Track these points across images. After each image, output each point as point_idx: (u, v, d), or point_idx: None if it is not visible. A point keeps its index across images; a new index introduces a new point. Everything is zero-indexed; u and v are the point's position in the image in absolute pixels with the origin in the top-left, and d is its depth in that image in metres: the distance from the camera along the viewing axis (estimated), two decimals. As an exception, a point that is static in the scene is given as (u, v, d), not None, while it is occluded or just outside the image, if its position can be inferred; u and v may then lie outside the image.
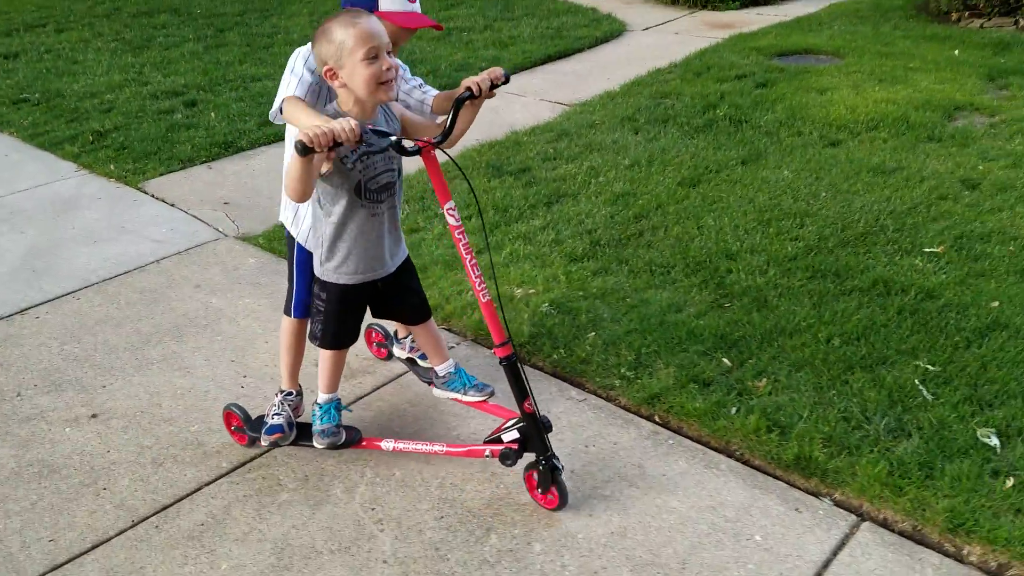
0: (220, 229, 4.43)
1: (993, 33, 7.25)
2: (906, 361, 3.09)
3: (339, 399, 2.78)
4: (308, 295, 2.72)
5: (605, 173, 4.73)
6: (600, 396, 3.07)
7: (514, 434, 2.57)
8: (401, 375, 3.23)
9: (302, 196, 2.23)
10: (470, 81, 2.40)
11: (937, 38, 7.09)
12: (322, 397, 2.75)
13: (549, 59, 7.07)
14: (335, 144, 2.10)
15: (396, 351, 3.25)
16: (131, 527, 2.56)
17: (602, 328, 3.37)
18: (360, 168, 2.38)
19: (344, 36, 2.21)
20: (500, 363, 2.49)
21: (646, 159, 4.90)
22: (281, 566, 2.40)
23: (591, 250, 3.95)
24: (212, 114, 5.83)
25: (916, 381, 2.97)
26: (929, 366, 3.06)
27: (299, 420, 2.87)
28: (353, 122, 2.10)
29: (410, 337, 3.16)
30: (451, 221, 2.43)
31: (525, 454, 2.57)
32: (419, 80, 2.74)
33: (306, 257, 2.68)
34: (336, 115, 2.30)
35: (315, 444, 2.74)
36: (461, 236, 2.43)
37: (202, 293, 3.82)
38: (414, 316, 2.78)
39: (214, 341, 3.46)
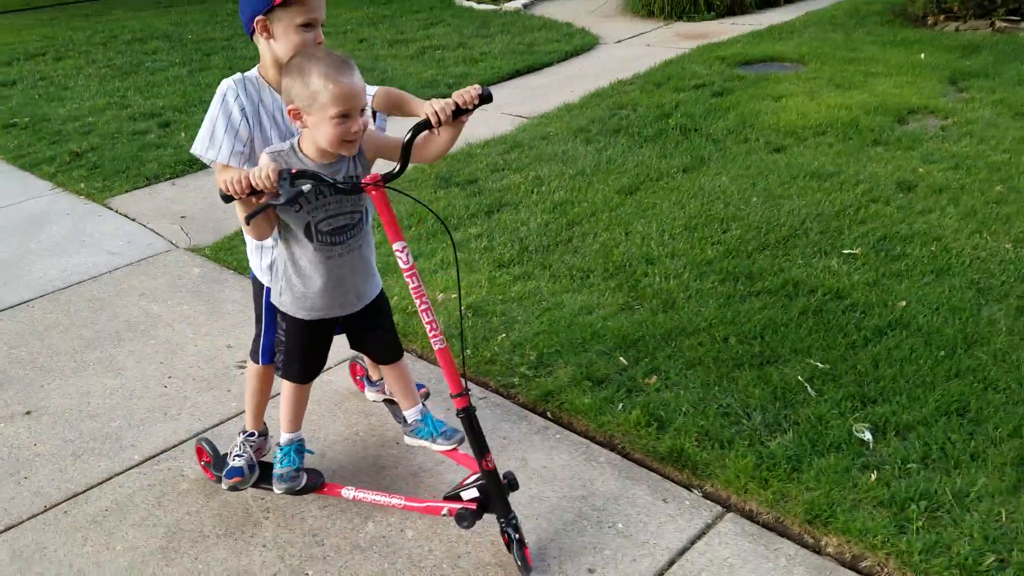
0: (173, 241, 4.66)
1: (965, 36, 7.29)
2: (798, 359, 3.19)
3: (302, 439, 2.71)
4: (273, 342, 2.66)
5: (549, 183, 4.89)
6: (500, 394, 3.21)
7: (474, 492, 2.44)
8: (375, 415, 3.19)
9: (257, 236, 2.28)
10: (431, 109, 2.25)
11: (907, 42, 7.15)
12: (284, 437, 2.68)
13: (517, 74, 7.26)
14: (253, 191, 2.07)
15: (369, 395, 3.20)
16: (42, 512, 2.76)
17: (513, 330, 3.52)
18: (308, 209, 2.28)
19: (320, 88, 2.10)
20: (457, 414, 2.39)
21: (591, 168, 5.05)
22: (170, 548, 2.58)
23: (518, 256, 4.10)
24: (183, 134, 6.11)
25: (800, 378, 3.08)
26: (819, 364, 3.15)
27: (263, 460, 2.81)
28: (270, 168, 2.06)
29: None
30: (401, 264, 2.32)
31: (485, 515, 2.45)
32: None
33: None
34: (290, 152, 2.25)
35: (274, 489, 2.66)
36: (412, 279, 2.33)
37: (145, 301, 4.04)
38: (383, 355, 2.70)
39: (147, 345, 3.67)
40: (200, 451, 2.87)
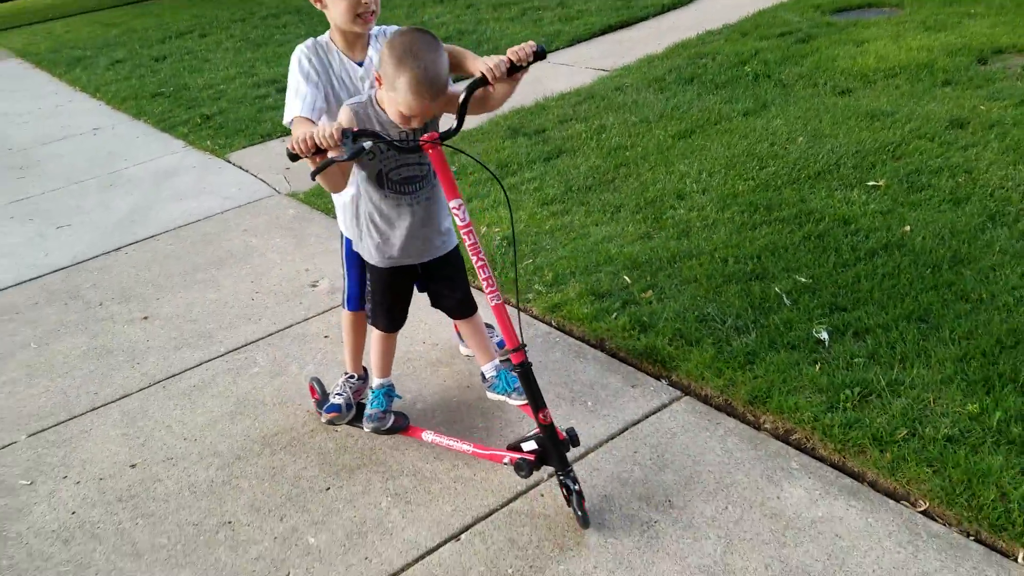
0: (277, 188, 5.72)
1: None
2: (786, 276, 3.70)
3: (391, 384, 3.15)
4: (358, 289, 3.08)
5: (610, 130, 5.52)
6: (517, 308, 3.94)
7: (533, 444, 2.67)
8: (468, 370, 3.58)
9: (331, 188, 2.52)
10: (485, 67, 2.42)
11: (1027, -19, 7.11)
12: (376, 382, 3.13)
13: (610, 29, 7.87)
14: (318, 149, 2.28)
15: (463, 349, 3.66)
16: (147, 387, 3.77)
17: (539, 256, 4.23)
18: (380, 158, 2.58)
19: None
20: (513, 370, 2.60)
21: (656, 116, 5.63)
22: (236, 412, 3.50)
23: (561, 196, 4.79)
24: (296, 96, 7.23)
25: (778, 290, 3.61)
26: (803, 279, 3.65)
27: (360, 401, 3.29)
28: (331, 128, 2.27)
29: None
30: (458, 221, 2.50)
31: (543, 467, 2.71)
32: None
33: (354, 254, 2.99)
34: (368, 103, 2.51)
35: (363, 427, 3.14)
36: (468, 235, 2.51)
37: (247, 235, 5.09)
38: (456, 310, 3.02)
39: (243, 268, 4.70)
40: (311, 389, 3.43)
